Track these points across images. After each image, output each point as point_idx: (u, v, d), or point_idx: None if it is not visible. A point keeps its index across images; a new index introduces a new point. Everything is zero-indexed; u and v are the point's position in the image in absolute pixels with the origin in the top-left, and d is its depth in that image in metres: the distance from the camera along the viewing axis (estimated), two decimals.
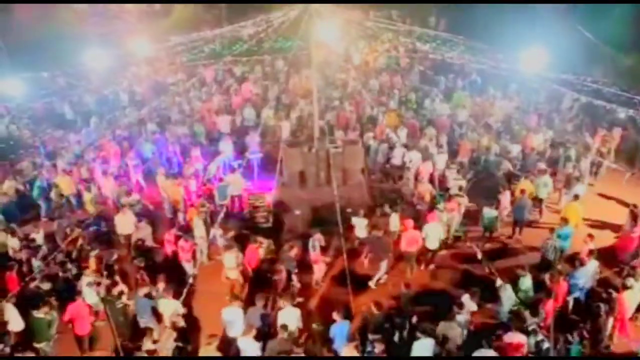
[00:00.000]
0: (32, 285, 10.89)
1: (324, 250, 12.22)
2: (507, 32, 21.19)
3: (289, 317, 9.41)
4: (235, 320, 9.52)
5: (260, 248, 12.04)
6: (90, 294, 10.50)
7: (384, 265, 12.01)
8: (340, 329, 9.19)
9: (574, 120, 20.03)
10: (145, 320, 10.04)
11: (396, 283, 11.54)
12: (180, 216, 14.51)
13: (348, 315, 9.71)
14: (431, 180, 15.72)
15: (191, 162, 16.52)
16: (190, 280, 10.89)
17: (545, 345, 8.92)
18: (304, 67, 24.24)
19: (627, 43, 21.40)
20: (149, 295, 10.18)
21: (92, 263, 11.46)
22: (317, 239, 11.96)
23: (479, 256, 11.98)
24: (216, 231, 12.72)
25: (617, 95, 17.78)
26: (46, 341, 9.65)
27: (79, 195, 15.50)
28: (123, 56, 21.36)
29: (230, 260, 11.26)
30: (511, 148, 17.03)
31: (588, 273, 10.84)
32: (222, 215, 12.73)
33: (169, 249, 12.49)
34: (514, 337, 8.94)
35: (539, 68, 16.27)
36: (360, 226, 12.90)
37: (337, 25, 15.08)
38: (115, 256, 11.84)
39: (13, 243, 12.47)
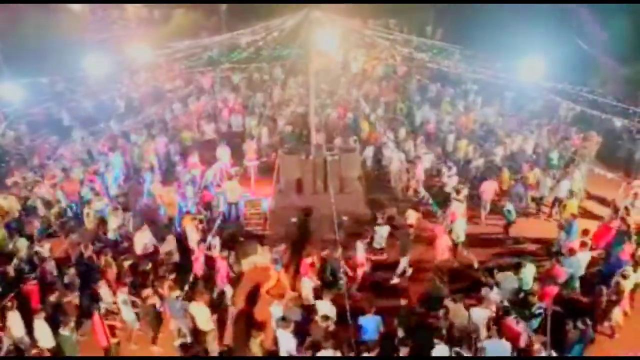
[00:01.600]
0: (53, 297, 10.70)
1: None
2: (504, 41, 21.33)
3: (326, 308, 9.97)
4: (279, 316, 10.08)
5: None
6: (126, 311, 10.53)
7: (405, 260, 12.38)
8: (368, 321, 9.59)
9: (549, 125, 20.44)
10: (178, 322, 10.37)
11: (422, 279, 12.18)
12: (176, 223, 14.46)
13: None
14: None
15: (188, 168, 16.51)
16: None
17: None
18: (291, 76, 24.44)
19: (624, 53, 21.57)
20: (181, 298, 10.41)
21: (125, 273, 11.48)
22: (362, 242, 12.11)
23: (475, 265, 12.00)
24: (212, 239, 12.65)
25: (613, 106, 17.94)
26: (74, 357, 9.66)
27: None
28: (121, 62, 21.38)
29: (309, 286, 11.22)
30: (496, 151, 17.90)
31: (580, 262, 11.56)
32: (218, 222, 12.69)
33: (199, 270, 11.86)
34: (514, 325, 9.37)
35: (535, 77, 16.48)
36: (382, 235, 12.90)
37: (335, 34, 15.19)
38: (149, 265, 11.73)
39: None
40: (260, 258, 12.99)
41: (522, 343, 9.33)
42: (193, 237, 12.88)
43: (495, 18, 24.74)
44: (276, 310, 10.19)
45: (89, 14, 36.85)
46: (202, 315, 10.20)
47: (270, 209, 14.69)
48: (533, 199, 15.77)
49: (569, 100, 18.85)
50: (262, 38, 19.17)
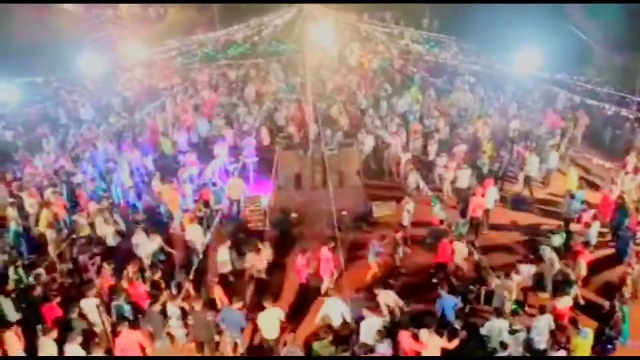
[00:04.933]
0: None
1: None
2: (501, 33, 21.28)
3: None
4: (335, 311, 9.72)
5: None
6: (177, 327, 10.07)
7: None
8: (447, 303, 9.70)
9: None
10: (235, 336, 9.90)
11: None
12: (177, 221, 14.38)
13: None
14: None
15: (186, 166, 16.40)
16: None
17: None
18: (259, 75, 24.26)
19: (621, 43, 21.52)
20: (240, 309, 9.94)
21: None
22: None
23: (476, 256, 12.02)
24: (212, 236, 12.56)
25: (610, 95, 17.92)
26: None
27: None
28: (117, 61, 21.24)
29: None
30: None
31: (594, 232, 12.62)
32: (217, 219, 12.64)
33: (305, 273, 11.52)
34: (561, 303, 9.70)
35: (532, 69, 16.47)
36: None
37: (331, 28, 15.12)
38: (184, 276, 11.09)
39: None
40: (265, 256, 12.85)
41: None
42: (193, 234, 12.69)
43: (492, 10, 24.66)
44: (335, 305, 9.68)
45: (84, 13, 36.70)
46: (272, 321, 9.51)
47: (269, 206, 14.66)
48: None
49: (566, 91, 18.83)
50: (257, 33, 19.11)
